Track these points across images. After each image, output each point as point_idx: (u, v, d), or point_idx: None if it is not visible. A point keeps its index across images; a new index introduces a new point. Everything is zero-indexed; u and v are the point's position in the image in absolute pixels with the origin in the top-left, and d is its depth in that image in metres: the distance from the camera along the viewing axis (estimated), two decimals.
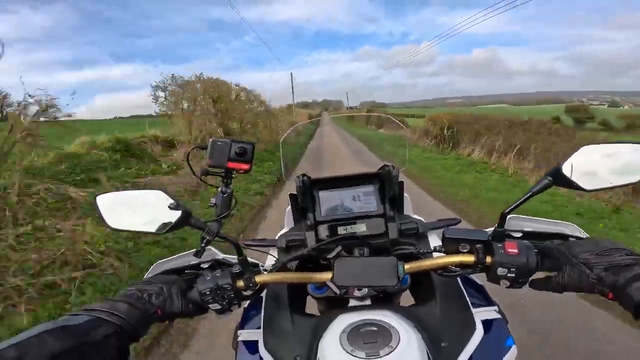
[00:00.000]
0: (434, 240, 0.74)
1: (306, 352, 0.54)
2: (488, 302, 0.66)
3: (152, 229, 0.53)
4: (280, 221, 0.83)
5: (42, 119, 3.92)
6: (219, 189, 0.58)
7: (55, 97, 3.97)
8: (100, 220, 0.54)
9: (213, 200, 0.58)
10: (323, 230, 0.71)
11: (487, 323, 0.60)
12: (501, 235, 0.54)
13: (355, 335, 0.50)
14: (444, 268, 0.56)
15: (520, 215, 0.62)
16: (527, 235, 0.63)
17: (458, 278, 0.64)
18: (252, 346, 0.61)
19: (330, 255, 0.58)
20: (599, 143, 0.53)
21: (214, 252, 0.65)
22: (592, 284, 0.47)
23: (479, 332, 0.57)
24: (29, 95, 3.63)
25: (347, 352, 0.47)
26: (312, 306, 0.81)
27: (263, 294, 0.66)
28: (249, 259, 0.61)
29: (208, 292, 0.55)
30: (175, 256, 0.66)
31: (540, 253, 0.54)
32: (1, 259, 2.21)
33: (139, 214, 0.53)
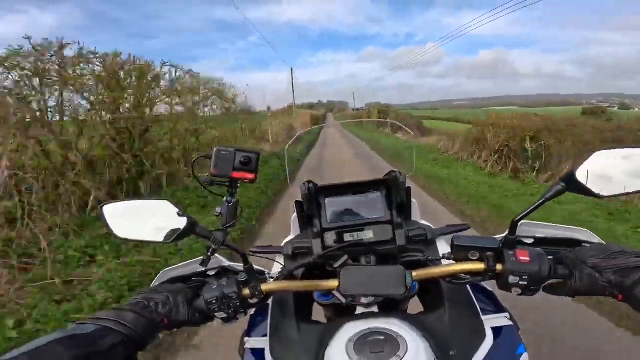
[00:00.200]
0: (443, 247, 0.73)
1: None
2: (498, 308, 0.65)
3: (159, 238, 0.53)
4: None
5: None
6: (225, 199, 0.59)
7: None
8: (106, 229, 0.55)
9: (218, 210, 0.58)
10: (329, 238, 0.70)
11: (497, 330, 0.58)
12: (512, 242, 0.53)
13: (362, 344, 0.49)
14: (453, 276, 0.55)
15: (532, 222, 0.61)
16: (538, 241, 0.62)
17: (467, 285, 0.63)
18: (258, 354, 0.60)
19: (336, 265, 0.57)
20: (612, 148, 0.51)
21: (220, 260, 0.66)
22: (602, 287, 0.48)
23: (488, 340, 0.56)
24: None
25: None
26: (318, 312, 0.80)
27: (269, 301, 0.66)
28: (255, 266, 0.61)
29: (214, 301, 0.55)
30: (181, 264, 0.67)
31: (553, 260, 0.53)
32: None
33: (145, 223, 0.54)
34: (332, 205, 0.72)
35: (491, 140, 6.80)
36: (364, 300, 0.62)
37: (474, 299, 0.63)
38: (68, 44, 3.86)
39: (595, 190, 0.50)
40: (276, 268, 0.72)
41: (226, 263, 0.66)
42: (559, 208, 3.86)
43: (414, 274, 0.55)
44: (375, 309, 0.64)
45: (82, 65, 4.05)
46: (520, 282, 0.51)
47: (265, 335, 0.62)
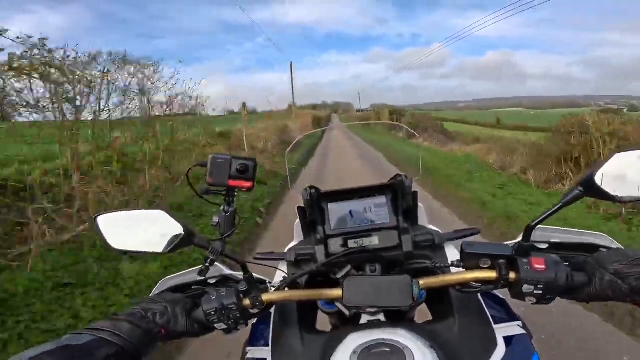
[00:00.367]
0: (451, 252, 0.70)
1: None
2: (511, 316, 0.62)
3: (156, 249, 0.52)
4: None
5: None
6: (222, 208, 0.57)
7: None
8: (101, 241, 0.54)
9: (216, 220, 0.57)
10: (333, 244, 0.68)
11: (509, 339, 0.56)
12: (526, 249, 0.51)
13: (367, 357, 0.47)
14: (463, 284, 0.53)
15: (546, 226, 0.58)
16: (553, 246, 0.59)
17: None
18: None
19: (339, 275, 0.55)
20: (632, 149, 0.48)
21: (221, 269, 0.64)
22: (624, 294, 0.47)
23: (500, 350, 0.53)
24: None
25: None
26: (323, 318, 0.78)
27: (272, 310, 0.64)
28: (257, 275, 0.59)
29: (213, 312, 0.53)
30: (181, 273, 0.65)
31: (570, 266, 0.50)
32: None
33: (141, 234, 0.53)
34: (335, 211, 0.70)
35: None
36: (369, 309, 0.60)
37: (485, 307, 0.60)
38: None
39: (615, 194, 0.48)
40: (279, 276, 0.70)
41: (227, 272, 0.64)
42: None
43: (422, 282, 0.53)
44: (381, 317, 0.61)
45: None
46: (535, 291, 0.49)
47: (268, 345, 0.60)
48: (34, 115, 3.53)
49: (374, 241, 0.67)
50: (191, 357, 1.87)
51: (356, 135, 17.64)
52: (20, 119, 3.66)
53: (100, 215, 0.54)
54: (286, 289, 0.59)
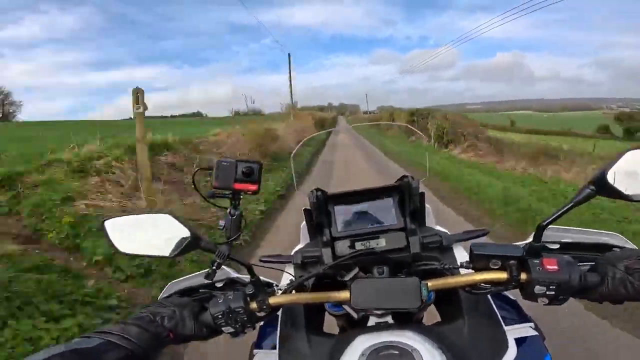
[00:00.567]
0: (460, 253, 0.69)
1: None
2: (522, 318, 0.61)
3: (163, 253, 0.52)
4: None
5: None
6: (228, 211, 0.57)
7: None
8: (109, 244, 0.54)
9: (222, 223, 0.57)
10: (340, 247, 0.68)
11: (520, 341, 0.55)
12: (537, 250, 0.50)
13: (375, 359, 0.46)
14: (472, 285, 0.52)
15: (558, 226, 0.57)
16: (564, 246, 0.58)
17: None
18: None
19: (346, 278, 0.55)
20: None
21: (228, 272, 0.64)
22: (636, 292, 0.46)
23: (511, 352, 0.52)
24: None
25: None
26: (331, 320, 0.78)
27: (279, 312, 0.64)
28: (263, 278, 0.59)
29: (220, 316, 0.54)
30: (189, 276, 0.66)
31: (583, 267, 0.49)
32: None
33: (148, 238, 0.53)
34: (342, 213, 0.70)
35: None
36: (377, 311, 0.59)
37: (495, 308, 0.59)
38: None
39: (628, 193, 0.47)
40: (285, 279, 0.69)
41: (234, 275, 0.65)
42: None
43: (430, 284, 0.52)
44: (389, 319, 0.61)
45: None
46: (547, 292, 0.48)
47: (275, 348, 0.60)
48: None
49: (381, 243, 0.67)
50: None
51: (364, 137, 15.47)
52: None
53: (107, 219, 0.55)
54: (293, 291, 0.59)
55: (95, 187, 3.90)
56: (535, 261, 0.49)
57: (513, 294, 0.64)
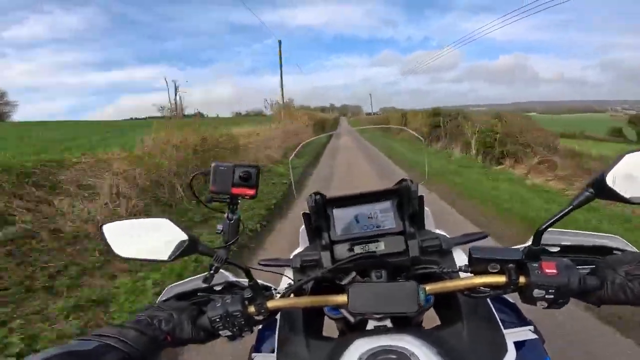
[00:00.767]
0: (459, 256, 0.69)
1: None
2: (522, 321, 0.61)
3: (161, 257, 0.52)
4: None
5: None
6: (225, 215, 0.57)
7: None
8: (107, 249, 0.55)
9: (220, 228, 0.57)
10: (339, 250, 0.68)
11: (520, 344, 0.55)
12: (536, 253, 0.49)
13: None
14: (471, 289, 0.52)
15: (557, 229, 0.56)
16: (564, 249, 0.58)
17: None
18: None
19: (344, 282, 0.55)
20: None
21: (226, 275, 0.65)
22: (635, 297, 0.46)
23: (510, 355, 0.52)
24: None
25: None
26: (332, 324, 0.77)
27: (277, 316, 0.64)
28: (262, 282, 0.59)
29: (218, 319, 0.54)
30: (187, 280, 0.66)
31: (583, 270, 0.49)
32: None
33: (146, 242, 0.53)
34: (340, 217, 0.70)
35: None
36: (375, 315, 0.59)
37: (494, 312, 0.59)
38: None
39: (628, 196, 0.46)
40: (284, 282, 0.69)
41: (232, 278, 0.65)
42: None
43: (428, 288, 0.52)
44: (388, 322, 0.60)
45: None
46: (546, 296, 0.48)
47: (274, 351, 0.60)
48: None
49: (380, 246, 0.67)
50: None
51: (370, 143, 12.49)
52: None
53: (106, 224, 0.55)
54: (292, 295, 0.59)
55: None
56: (534, 264, 0.49)
57: (513, 297, 0.64)
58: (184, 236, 0.51)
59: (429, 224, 0.75)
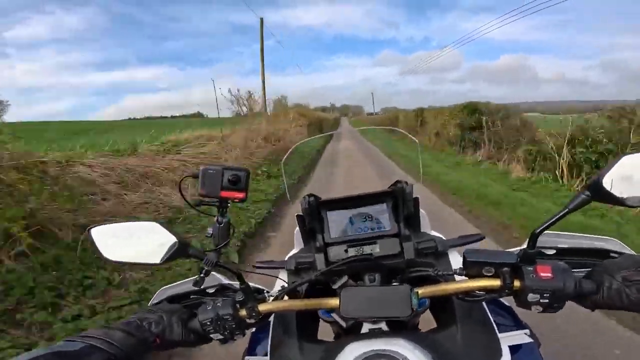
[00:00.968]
0: (455, 258, 0.68)
1: None
2: (517, 324, 0.61)
3: (150, 260, 0.52)
4: None
5: None
6: (215, 219, 0.57)
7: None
8: (95, 252, 0.54)
9: (210, 231, 0.57)
10: (333, 252, 0.67)
11: (515, 348, 0.54)
12: (532, 256, 0.49)
13: None
14: (465, 293, 0.51)
15: (553, 232, 0.56)
16: (560, 252, 0.57)
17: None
18: None
19: (335, 285, 0.54)
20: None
21: (219, 278, 0.64)
22: (632, 303, 0.45)
23: (505, 359, 0.52)
24: None
25: None
26: (327, 327, 0.77)
27: (271, 319, 0.63)
28: (254, 285, 0.59)
29: (209, 322, 0.53)
30: (180, 282, 0.66)
31: (579, 274, 0.48)
32: None
33: (135, 245, 0.53)
34: (335, 219, 0.69)
35: None
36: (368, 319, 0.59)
37: (489, 315, 0.58)
38: None
39: (625, 199, 0.45)
40: (278, 285, 0.69)
41: (225, 281, 0.64)
42: None
43: (421, 291, 0.52)
44: (382, 325, 0.60)
45: None
46: (541, 300, 0.47)
47: (267, 355, 0.59)
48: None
49: (375, 249, 0.66)
50: None
51: (379, 150, 10.57)
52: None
53: (94, 227, 0.54)
54: (285, 298, 0.58)
55: None
56: (529, 268, 0.48)
57: (509, 300, 0.64)
58: (173, 239, 0.51)
59: (425, 225, 0.74)
